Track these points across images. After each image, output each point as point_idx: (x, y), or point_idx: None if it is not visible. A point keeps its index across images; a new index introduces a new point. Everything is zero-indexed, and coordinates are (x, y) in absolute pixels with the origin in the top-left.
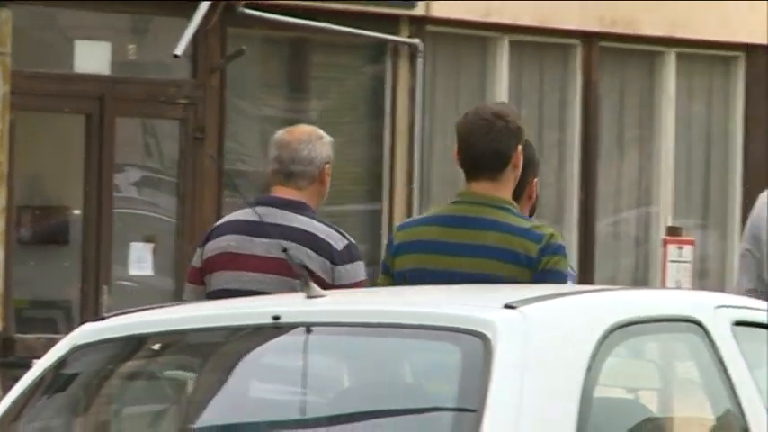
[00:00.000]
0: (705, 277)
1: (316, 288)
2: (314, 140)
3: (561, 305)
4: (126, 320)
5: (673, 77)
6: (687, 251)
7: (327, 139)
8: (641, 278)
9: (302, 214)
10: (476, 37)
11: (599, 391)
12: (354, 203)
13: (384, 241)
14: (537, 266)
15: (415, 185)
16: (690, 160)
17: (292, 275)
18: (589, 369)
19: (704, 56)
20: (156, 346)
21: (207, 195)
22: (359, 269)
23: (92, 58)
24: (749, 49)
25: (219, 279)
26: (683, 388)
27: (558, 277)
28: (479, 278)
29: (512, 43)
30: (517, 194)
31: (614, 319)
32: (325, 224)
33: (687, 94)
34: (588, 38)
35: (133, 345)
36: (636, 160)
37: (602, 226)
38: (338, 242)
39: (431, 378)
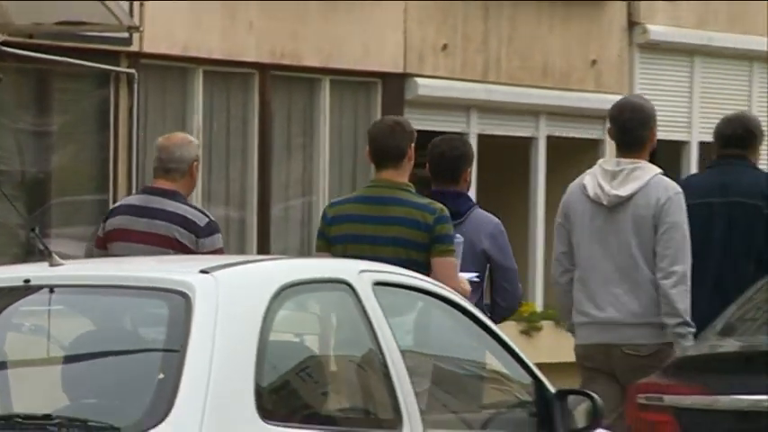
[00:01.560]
0: None
1: (57, 258)
2: (185, 144)
3: (244, 270)
4: None
5: (327, 98)
6: None
7: (196, 142)
8: (306, 252)
9: (174, 200)
10: (177, 68)
11: (273, 336)
12: (88, 194)
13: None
14: (433, 231)
15: (134, 181)
16: (341, 161)
17: (167, 246)
18: (265, 319)
19: (351, 82)
20: None
21: None
22: (216, 240)
23: None
24: (384, 76)
25: (115, 248)
26: (337, 333)
27: (448, 239)
28: (392, 240)
29: (205, 72)
30: (457, 177)
31: (284, 281)
32: (193, 207)
33: (339, 110)
34: (263, 68)
35: None
36: (300, 160)
37: (276, 211)
38: (201, 220)
39: (146, 327)
